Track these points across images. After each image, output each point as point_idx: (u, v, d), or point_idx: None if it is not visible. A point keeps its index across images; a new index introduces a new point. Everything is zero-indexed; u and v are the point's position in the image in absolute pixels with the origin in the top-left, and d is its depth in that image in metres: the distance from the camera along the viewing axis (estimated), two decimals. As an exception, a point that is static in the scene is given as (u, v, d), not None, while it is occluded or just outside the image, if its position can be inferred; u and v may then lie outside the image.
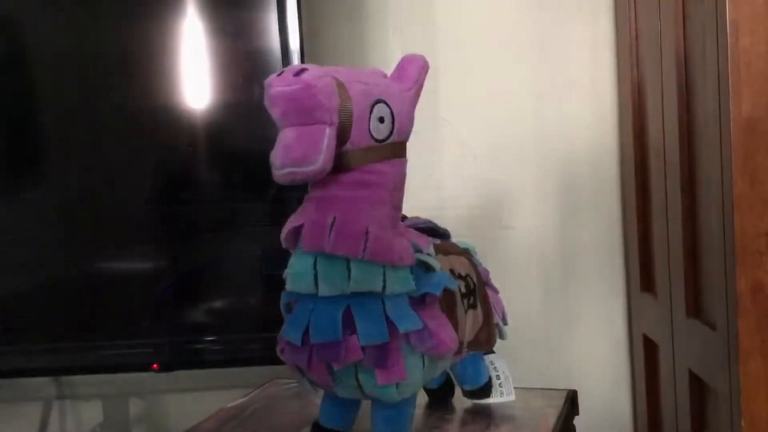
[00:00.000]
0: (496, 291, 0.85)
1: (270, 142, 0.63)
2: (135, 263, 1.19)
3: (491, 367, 0.87)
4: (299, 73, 0.62)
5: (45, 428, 1.44)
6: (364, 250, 0.64)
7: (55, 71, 1.18)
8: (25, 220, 1.19)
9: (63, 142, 1.20)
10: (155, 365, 1.16)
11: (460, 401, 0.88)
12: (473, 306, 0.78)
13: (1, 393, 1.43)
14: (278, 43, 1.14)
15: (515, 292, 1.34)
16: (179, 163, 1.20)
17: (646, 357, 1.25)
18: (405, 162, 0.70)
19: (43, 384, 1.44)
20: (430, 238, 0.75)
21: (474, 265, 0.81)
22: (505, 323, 0.85)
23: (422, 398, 0.88)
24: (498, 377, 0.87)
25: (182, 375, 1.27)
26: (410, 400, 0.72)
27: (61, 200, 1.20)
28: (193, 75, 1.15)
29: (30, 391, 1.43)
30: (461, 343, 0.75)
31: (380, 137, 0.66)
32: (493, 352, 0.87)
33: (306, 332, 0.67)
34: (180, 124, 1.16)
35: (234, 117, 1.18)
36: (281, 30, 1.13)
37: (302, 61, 1.13)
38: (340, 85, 0.63)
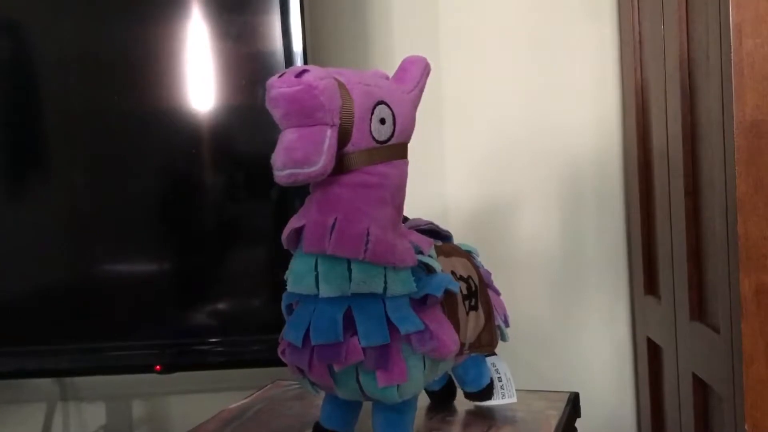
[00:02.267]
0: (497, 293, 0.85)
1: (273, 144, 0.63)
2: (138, 265, 1.19)
3: (493, 369, 0.87)
4: (301, 74, 0.62)
5: (48, 430, 1.44)
6: (365, 252, 0.64)
7: (60, 74, 1.19)
8: (29, 223, 1.20)
9: (67, 144, 1.21)
10: (158, 367, 1.16)
11: (462, 403, 0.88)
12: (475, 308, 0.77)
13: (4, 394, 1.43)
14: (281, 45, 1.14)
15: (518, 295, 1.34)
16: (183, 166, 1.20)
17: (650, 360, 1.25)
18: (406, 163, 0.70)
19: (46, 385, 1.44)
20: (432, 240, 0.75)
21: (475, 266, 0.81)
22: (507, 325, 0.85)
23: (424, 400, 0.88)
24: (500, 379, 0.86)
25: (185, 377, 1.28)
26: (411, 402, 0.72)
27: (65, 202, 1.20)
28: (197, 78, 1.16)
29: (33, 393, 1.44)
30: (463, 345, 0.75)
31: (381, 138, 0.66)
32: (494, 354, 0.87)
33: (307, 333, 0.66)
34: (183, 126, 1.17)
35: (238, 119, 1.18)
36: (284, 33, 1.14)
37: (305, 63, 1.13)
38: (342, 87, 0.63)
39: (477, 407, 0.88)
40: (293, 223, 0.68)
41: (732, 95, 0.80)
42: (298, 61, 1.13)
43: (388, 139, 0.67)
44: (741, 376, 0.81)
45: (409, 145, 0.71)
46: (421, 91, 0.72)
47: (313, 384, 0.71)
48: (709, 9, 0.86)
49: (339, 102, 0.63)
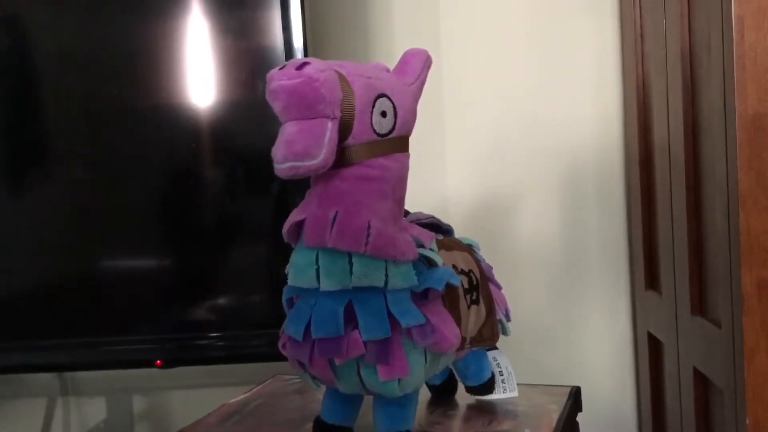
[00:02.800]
0: (499, 287, 0.84)
1: (274, 139, 0.63)
2: (139, 260, 1.19)
3: (494, 363, 0.87)
4: (301, 66, 0.61)
5: (49, 424, 1.44)
6: (366, 245, 0.64)
7: (60, 69, 1.19)
8: (29, 218, 1.20)
9: (67, 139, 1.21)
10: (158, 361, 1.16)
11: (463, 397, 0.88)
12: (476, 302, 0.77)
13: (5, 389, 1.43)
14: (282, 40, 1.14)
15: (519, 289, 1.33)
16: (183, 161, 1.20)
17: (651, 355, 1.25)
18: (407, 156, 0.70)
19: (46, 380, 1.44)
20: (433, 234, 0.75)
21: (477, 260, 0.81)
22: (508, 319, 0.85)
23: (425, 394, 0.87)
24: (501, 373, 0.86)
25: (185, 371, 1.28)
26: (413, 396, 0.72)
27: (65, 198, 1.20)
28: (197, 73, 1.15)
29: (34, 388, 1.44)
30: (464, 339, 0.75)
31: (382, 132, 0.66)
32: (496, 348, 0.87)
33: (308, 327, 0.66)
34: (183, 122, 1.17)
35: (238, 115, 1.18)
36: (285, 28, 1.13)
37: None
38: (342, 79, 0.63)
39: (478, 401, 0.87)
40: (294, 216, 0.67)
41: (734, 89, 0.80)
42: (299, 56, 1.13)
43: (389, 132, 0.67)
44: (742, 371, 0.81)
45: (410, 138, 0.71)
46: (423, 83, 0.71)
47: (314, 378, 0.71)
48: (711, 2, 0.86)
49: (340, 94, 0.62)
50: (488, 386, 0.86)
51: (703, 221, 0.96)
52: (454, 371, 0.87)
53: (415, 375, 0.68)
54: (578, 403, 0.91)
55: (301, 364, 0.69)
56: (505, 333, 0.85)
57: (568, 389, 0.92)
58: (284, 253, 0.70)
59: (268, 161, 0.63)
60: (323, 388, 0.74)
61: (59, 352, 1.19)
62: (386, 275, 0.66)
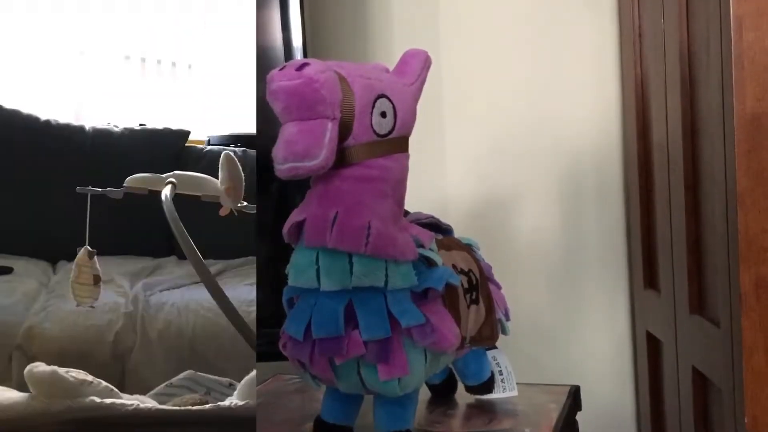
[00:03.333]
0: (498, 286, 0.85)
1: (274, 138, 0.63)
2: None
3: (493, 363, 0.87)
4: (301, 67, 0.62)
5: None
6: (366, 245, 0.64)
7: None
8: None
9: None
10: (159, 361, 1.16)
11: (463, 397, 0.89)
12: (475, 301, 0.78)
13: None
14: (281, 40, 1.14)
15: (519, 288, 1.33)
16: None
17: (650, 354, 1.25)
18: (407, 157, 0.70)
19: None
20: (433, 233, 0.75)
21: (476, 260, 0.81)
22: (508, 319, 0.85)
23: (425, 394, 0.88)
24: (500, 373, 0.87)
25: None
26: (413, 395, 0.72)
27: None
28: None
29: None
30: (463, 339, 0.75)
31: (382, 132, 0.66)
32: (495, 347, 0.87)
33: (308, 327, 0.67)
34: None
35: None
36: (284, 27, 1.14)
37: (305, 57, 1.13)
38: (342, 80, 0.63)
39: (478, 400, 0.88)
40: (294, 216, 0.68)
41: (732, 88, 0.80)
42: (298, 55, 1.13)
43: (389, 133, 0.67)
44: (741, 369, 0.81)
45: (410, 138, 0.71)
46: (422, 84, 0.72)
47: (314, 377, 0.71)
48: (710, 2, 0.86)
49: (340, 95, 0.63)
50: (488, 385, 0.86)
51: (701, 220, 0.96)
52: (454, 371, 0.87)
53: (415, 374, 0.68)
54: (577, 402, 0.92)
55: (302, 364, 0.69)
56: (504, 332, 0.85)
57: (568, 388, 0.92)
58: (284, 253, 0.70)
59: (268, 160, 0.63)
60: (323, 387, 0.75)
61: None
62: (386, 275, 0.66)
